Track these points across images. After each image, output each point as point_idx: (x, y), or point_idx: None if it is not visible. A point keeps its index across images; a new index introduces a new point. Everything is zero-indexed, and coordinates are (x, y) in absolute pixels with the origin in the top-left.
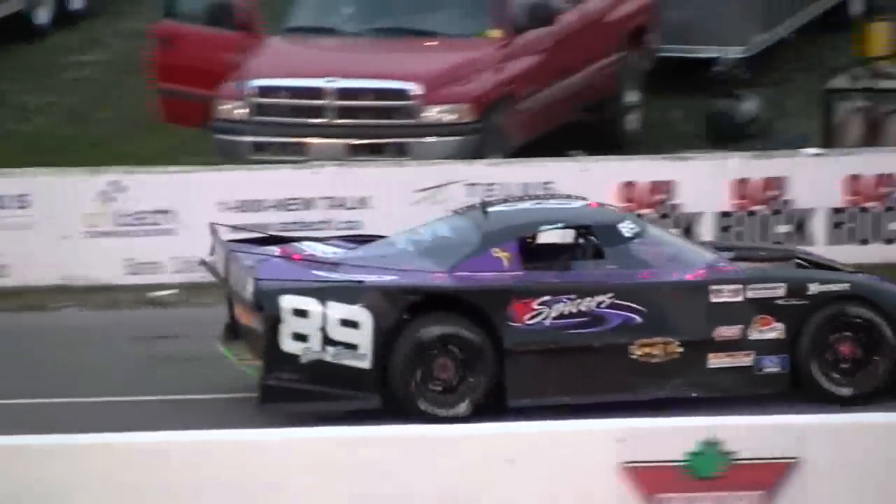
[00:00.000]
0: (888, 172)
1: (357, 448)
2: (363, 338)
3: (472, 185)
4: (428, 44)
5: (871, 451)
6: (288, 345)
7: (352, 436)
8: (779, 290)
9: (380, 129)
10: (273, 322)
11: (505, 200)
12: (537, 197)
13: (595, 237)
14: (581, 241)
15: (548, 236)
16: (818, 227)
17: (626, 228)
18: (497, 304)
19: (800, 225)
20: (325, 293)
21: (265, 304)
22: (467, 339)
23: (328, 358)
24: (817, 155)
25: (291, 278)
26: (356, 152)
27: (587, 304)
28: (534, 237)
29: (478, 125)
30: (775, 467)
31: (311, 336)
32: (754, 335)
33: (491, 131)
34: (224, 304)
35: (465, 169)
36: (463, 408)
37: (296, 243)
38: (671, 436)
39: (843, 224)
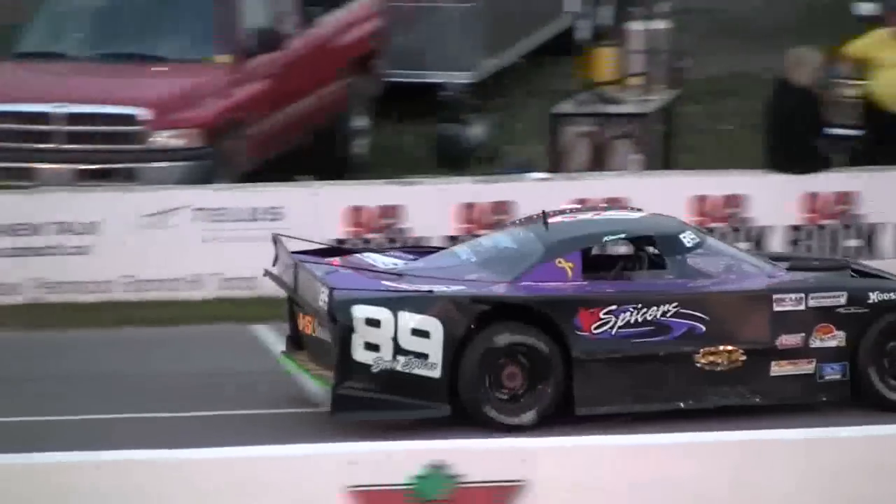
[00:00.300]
0: (614, 196)
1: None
2: (433, 347)
3: (200, 209)
4: (156, 69)
5: (598, 474)
6: (360, 354)
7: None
8: (840, 298)
9: (108, 155)
10: (346, 332)
11: (563, 212)
12: (595, 208)
13: (657, 248)
14: (644, 251)
15: (611, 247)
16: None
17: (688, 239)
18: (564, 314)
19: None
20: (396, 303)
21: (338, 313)
22: (535, 348)
23: (399, 367)
24: (543, 179)
25: (363, 288)
26: (85, 177)
27: (652, 313)
28: (597, 248)
29: (206, 150)
30: (502, 490)
31: (382, 345)
32: (816, 343)
33: (219, 156)
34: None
35: (193, 194)
36: (530, 416)
37: (357, 255)
38: (398, 459)
39: None
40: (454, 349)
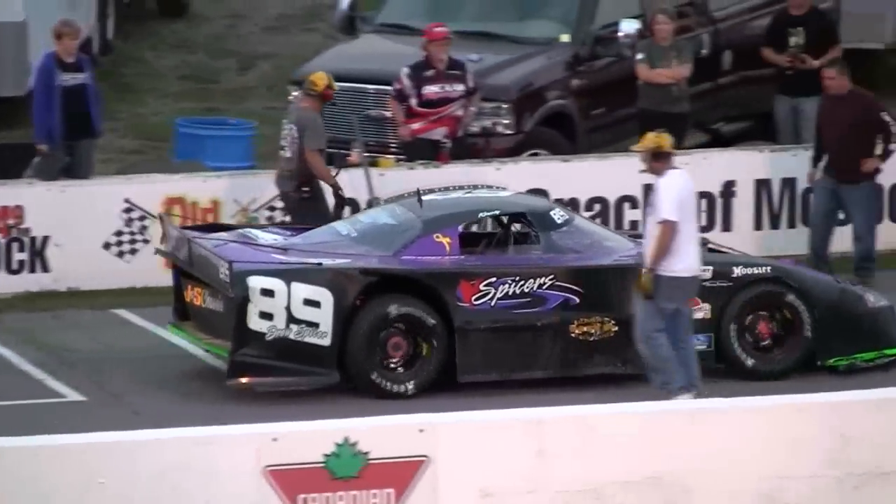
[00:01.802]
0: None
1: None
2: (324, 316)
3: None
4: None
5: (500, 447)
6: (255, 323)
7: None
8: (704, 273)
9: None
10: (242, 301)
11: (433, 190)
12: (463, 187)
13: (530, 224)
14: (517, 225)
15: (486, 222)
16: None
17: (557, 216)
18: (447, 286)
19: None
20: (289, 274)
21: (235, 284)
22: (420, 318)
23: (292, 336)
24: None
25: (257, 260)
26: None
27: (529, 285)
28: (473, 223)
29: None
30: (406, 466)
31: (276, 315)
32: None
33: None
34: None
35: None
36: (413, 384)
37: (240, 230)
38: (310, 438)
39: None
40: (343, 319)
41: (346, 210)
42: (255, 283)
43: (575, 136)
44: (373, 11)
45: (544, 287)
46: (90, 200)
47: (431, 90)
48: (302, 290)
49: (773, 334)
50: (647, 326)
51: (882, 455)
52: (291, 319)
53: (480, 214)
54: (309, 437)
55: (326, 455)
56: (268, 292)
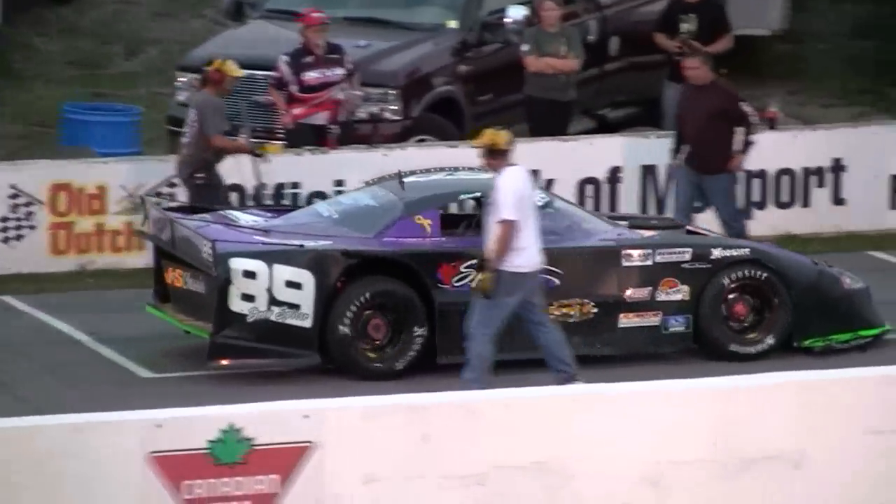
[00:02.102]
0: None
1: None
2: (305, 298)
3: None
4: None
5: (385, 433)
6: (237, 304)
7: None
8: (685, 254)
9: None
10: (224, 283)
11: (414, 172)
12: (444, 169)
13: None
14: None
15: (467, 204)
16: None
17: (538, 198)
18: (427, 267)
19: None
20: (271, 256)
21: (217, 266)
22: (401, 299)
23: (273, 317)
24: None
25: (239, 241)
26: None
27: None
28: (453, 205)
29: None
30: (291, 451)
31: (257, 296)
32: (661, 297)
33: None
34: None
35: None
36: (399, 364)
37: (220, 212)
38: (194, 424)
39: None
40: (325, 300)
41: (264, 165)
42: (237, 264)
43: (462, 122)
44: None
45: None
46: None
47: (311, 76)
48: (283, 271)
49: (751, 315)
50: (476, 323)
51: (765, 440)
52: (273, 301)
53: (461, 196)
54: (193, 423)
55: (211, 441)
56: (250, 274)
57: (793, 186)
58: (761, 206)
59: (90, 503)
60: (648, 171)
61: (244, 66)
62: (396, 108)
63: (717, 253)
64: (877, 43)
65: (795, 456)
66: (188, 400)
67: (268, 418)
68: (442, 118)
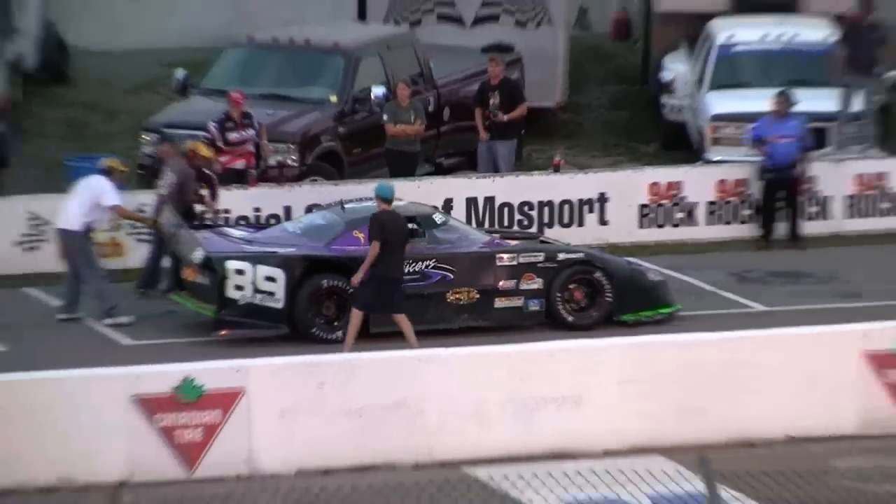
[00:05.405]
0: None
1: None
2: (278, 288)
3: None
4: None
5: (292, 382)
6: (231, 293)
7: None
8: (539, 256)
9: None
10: (222, 279)
11: (350, 201)
12: (371, 198)
13: (418, 224)
14: (410, 225)
15: None
16: None
17: (437, 218)
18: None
19: None
20: (254, 259)
21: (217, 266)
22: (343, 288)
23: (257, 301)
24: None
25: (231, 250)
26: None
27: (418, 266)
28: None
29: None
30: (229, 395)
31: (245, 287)
32: (523, 286)
33: None
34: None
35: None
36: (340, 334)
37: (219, 227)
38: (163, 376)
39: None
40: (291, 289)
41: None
42: (231, 265)
43: (342, 167)
44: (199, 79)
45: (429, 267)
46: None
47: (232, 136)
48: (263, 270)
49: (585, 299)
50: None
51: (553, 387)
52: (256, 290)
53: None
54: (162, 376)
55: (175, 387)
56: (240, 271)
57: (571, 212)
58: (549, 226)
59: (94, 432)
60: (471, 202)
61: (187, 126)
62: (295, 157)
63: (561, 256)
64: (628, 112)
65: (575, 398)
66: (160, 360)
67: (212, 372)
68: (328, 165)
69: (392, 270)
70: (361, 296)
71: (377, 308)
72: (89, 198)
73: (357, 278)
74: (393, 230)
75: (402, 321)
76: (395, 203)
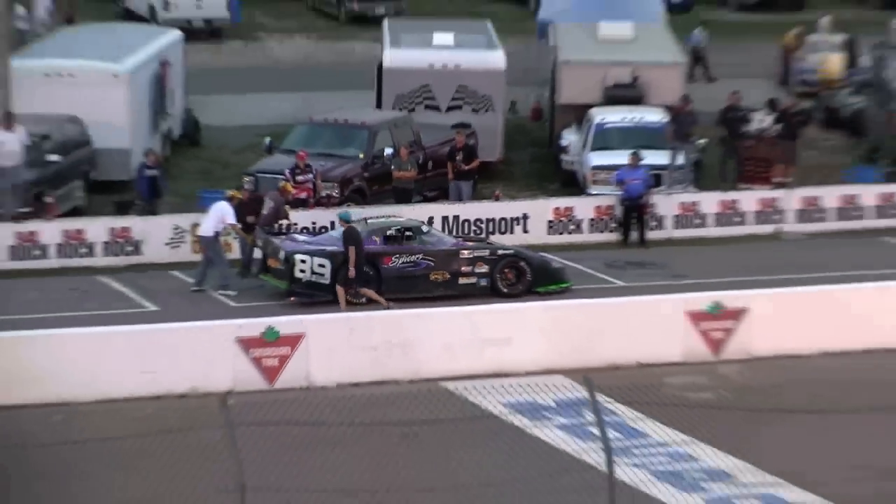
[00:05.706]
0: None
1: None
2: (326, 271)
3: None
4: None
5: (334, 330)
6: (298, 274)
7: None
8: (486, 252)
9: None
10: (292, 265)
11: (371, 218)
12: (384, 216)
13: (412, 231)
14: (407, 232)
15: (395, 230)
16: None
17: (424, 228)
18: (379, 258)
19: None
20: (312, 253)
21: (289, 258)
22: (367, 271)
23: (313, 279)
24: None
25: (298, 247)
26: None
27: (413, 258)
28: (390, 231)
29: None
30: (295, 337)
31: (306, 270)
32: (476, 270)
33: None
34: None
35: None
36: (364, 300)
37: (292, 234)
38: (256, 326)
39: None
40: (334, 272)
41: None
42: (298, 257)
43: (366, 198)
44: (279, 143)
45: (419, 258)
46: None
47: (299, 178)
48: (317, 260)
49: (515, 278)
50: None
51: (493, 330)
52: (312, 272)
53: (391, 228)
54: (254, 325)
55: (262, 333)
56: (303, 261)
57: (506, 225)
58: (493, 233)
59: (211, 359)
60: (445, 219)
61: (272, 172)
62: (337, 192)
63: (500, 252)
64: (540, 164)
65: (508, 339)
66: (253, 315)
67: (285, 323)
68: (358, 196)
69: (361, 263)
70: (343, 278)
71: (354, 284)
72: (218, 216)
73: (352, 272)
74: (358, 239)
75: (367, 292)
76: (395, 220)
